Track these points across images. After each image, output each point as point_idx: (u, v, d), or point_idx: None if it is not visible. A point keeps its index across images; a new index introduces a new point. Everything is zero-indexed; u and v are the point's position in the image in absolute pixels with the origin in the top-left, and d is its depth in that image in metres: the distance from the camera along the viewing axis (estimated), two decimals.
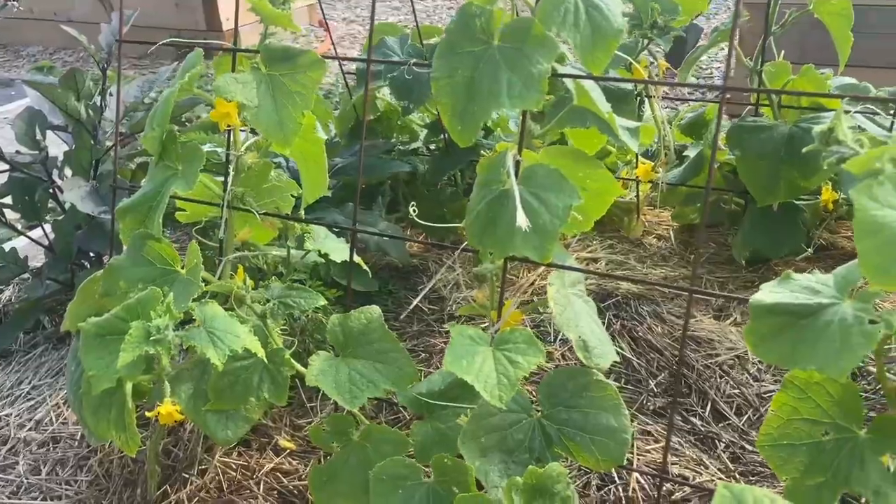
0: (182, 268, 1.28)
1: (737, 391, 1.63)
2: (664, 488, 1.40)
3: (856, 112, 1.77)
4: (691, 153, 2.11)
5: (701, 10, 1.69)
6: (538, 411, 1.17)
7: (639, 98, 1.86)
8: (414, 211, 1.31)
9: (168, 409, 1.19)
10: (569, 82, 1.17)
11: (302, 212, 1.50)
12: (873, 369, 1.64)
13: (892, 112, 1.78)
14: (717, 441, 1.52)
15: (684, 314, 1.87)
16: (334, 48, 2.52)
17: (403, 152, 2.34)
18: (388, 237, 1.94)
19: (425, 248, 2.21)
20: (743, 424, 1.56)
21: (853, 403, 1.04)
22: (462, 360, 1.09)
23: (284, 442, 1.53)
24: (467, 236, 1.19)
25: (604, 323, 1.84)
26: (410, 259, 2.13)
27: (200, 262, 1.22)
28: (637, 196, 2.19)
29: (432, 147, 2.41)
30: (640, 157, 2.13)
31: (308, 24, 5.88)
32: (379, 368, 1.27)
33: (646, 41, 1.67)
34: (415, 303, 1.97)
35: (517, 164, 1.17)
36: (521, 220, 1.04)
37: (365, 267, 1.54)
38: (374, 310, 1.32)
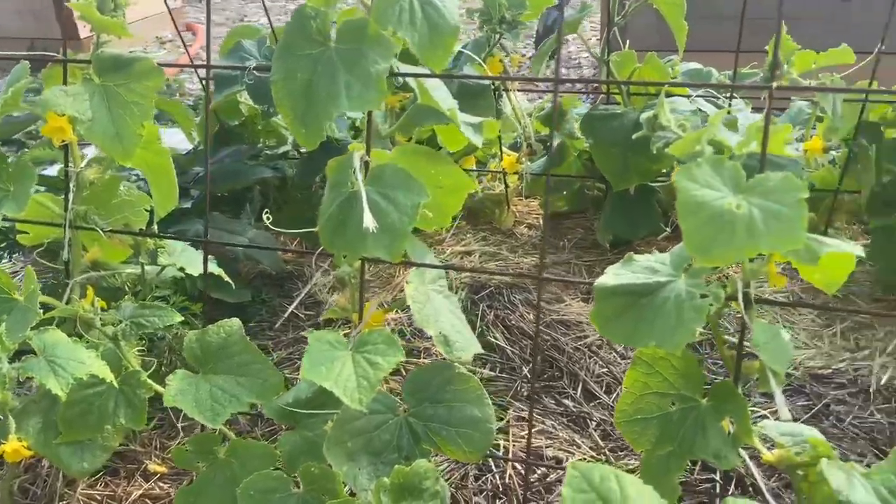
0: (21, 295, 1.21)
1: (605, 370, 1.69)
2: (538, 472, 1.44)
3: (698, 96, 1.86)
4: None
5: (549, 4, 1.74)
6: (405, 410, 1.18)
7: (497, 92, 1.89)
8: (268, 218, 1.29)
9: (14, 445, 1.12)
10: (411, 81, 1.18)
11: (155, 226, 1.44)
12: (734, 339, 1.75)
13: (729, 95, 1.89)
14: (588, 420, 1.58)
15: (554, 300, 1.93)
16: (208, 51, 2.43)
17: (271, 157, 2.30)
18: (249, 247, 1.89)
19: (300, 254, 2.18)
20: (612, 402, 1.62)
21: (694, 374, 1.10)
22: (321, 366, 1.07)
23: (154, 466, 1.47)
24: (320, 239, 1.18)
25: (478, 314, 1.87)
26: (284, 265, 2.09)
27: (37, 288, 1.15)
28: (506, 188, 2.23)
29: (303, 150, 2.37)
30: (504, 150, 2.18)
31: (174, 30, 5.67)
32: (242, 382, 1.23)
33: (496, 36, 1.70)
34: (290, 310, 1.94)
35: (366, 164, 1.16)
36: (368, 221, 1.04)
37: (227, 278, 1.49)
38: (234, 322, 1.29)
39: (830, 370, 1.64)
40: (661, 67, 1.82)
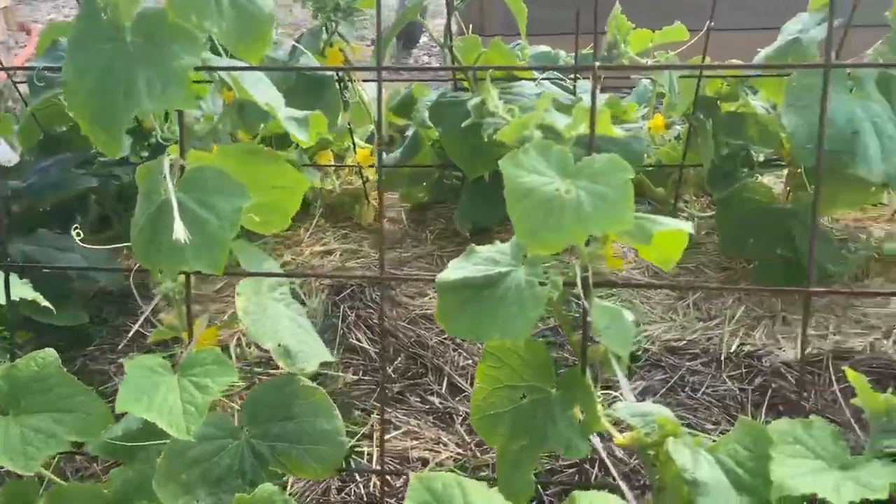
0: None
1: (470, 362, 1.66)
2: (403, 478, 1.39)
3: (544, 79, 1.86)
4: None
5: None
6: (247, 431, 1.09)
7: (343, 83, 1.82)
8: (78, 234, 1.16)
9: None
10: (224, 75, 1.09)
11: None
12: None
13: (573, 77, 1.90)
14: (454, 415, 1.54)
15: (416, 294, 1.88)
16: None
17: (107, 163, 2.12)
18: (65, 268, 1.72)
19: (120, 271, 2.02)
20: None
21: (544, 364, 1.08)
22: (141, 395, 0.97)
23: None
24: (135, 254, 1.07)
25: (339, 316, 1.79)
26: (125, 280, 1.93)
27: None
28: (364, 182, 2.16)
29: (145, 155, 2.20)
30: (359, 143, 2.10)
31: (7, 30, 5.20)
32: (60, 419, 1.11)
33: (333, 24, 1.62)
34: (134, 329, 1.79)
35: (182, 168, 1.06)
36: (179, 231, 0.95)
37: (44, 302, 1.34)
38: (48, 353, 1.15)
39: (685, 342, 1.68)
40: (507, 52, 1.80)
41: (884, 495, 0.89)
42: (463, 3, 1.77)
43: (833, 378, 1.53)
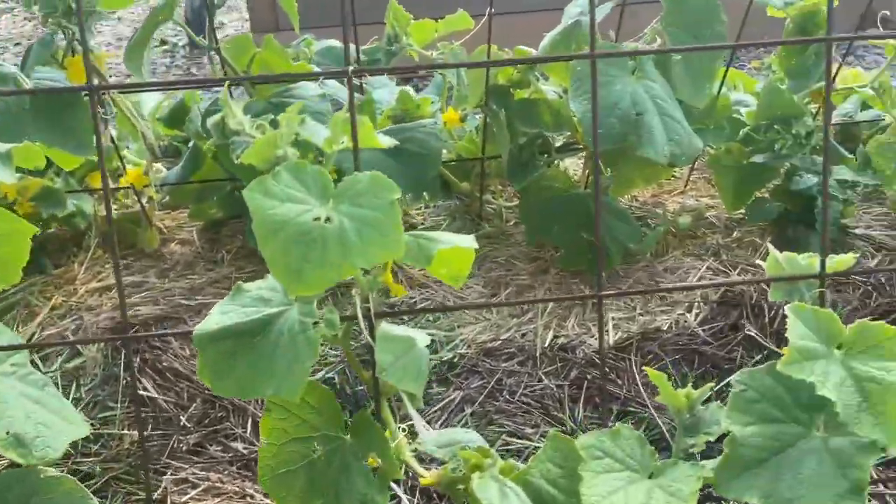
0: None
1: None
2: None
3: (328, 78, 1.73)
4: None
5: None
6: None
7: (99, 98, 1.57)
8: None
9: None
10: None
11: None
12: None
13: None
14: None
15: None
16: None
17: None
18: None
19: None
20: None
21: (334, 409, 0.96)
22: None
23: None
24: None
25: (122, 363, 1.57)
26: None
27: None
28: (141, 204, 1.92)
29: None
30: (132, 161, 1.87)
31: None
32: None
33: (69, 31, 1.39)
34: None
35: None
36: None
37: None
38: None
39: (500, 341, 1.62)
40: (282, 51, 1.64)
41: (693, 503, 0.86)
42: (221, 1, 1.59)
43: (640, 363, 1.53)
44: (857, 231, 1.90)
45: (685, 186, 2.12)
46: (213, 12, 1.57)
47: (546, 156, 1.87)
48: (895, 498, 1.24)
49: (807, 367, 0.86)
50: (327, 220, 0.79)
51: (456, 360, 1.59)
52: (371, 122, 1.74)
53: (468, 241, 0.89)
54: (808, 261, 0.96)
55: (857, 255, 1.83)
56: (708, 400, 0.98)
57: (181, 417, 1.47)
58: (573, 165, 2.11)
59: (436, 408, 1.45)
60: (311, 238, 0.78)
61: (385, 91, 2.06)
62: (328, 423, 0.95)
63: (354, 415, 0.95)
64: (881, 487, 1.25)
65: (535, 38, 1.86)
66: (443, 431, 1.05)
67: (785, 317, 1.65)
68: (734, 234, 1.91)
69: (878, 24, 1.90)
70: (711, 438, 0.94)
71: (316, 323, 0.85)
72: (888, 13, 1.94)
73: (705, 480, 0.90)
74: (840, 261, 0.97)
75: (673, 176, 2.19)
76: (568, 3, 1.81)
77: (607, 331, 1.63)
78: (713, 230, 1.95)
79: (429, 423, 1.43)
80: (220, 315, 0.91)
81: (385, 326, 0.93)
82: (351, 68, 0.87)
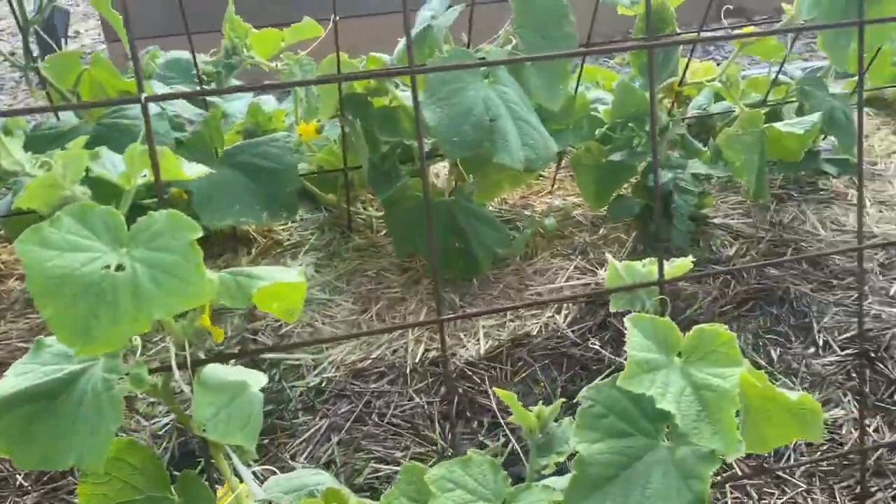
0: None
1: None
2: None
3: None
4: None
5: None
6: None
7: None
8: None
9: None
10: None
11: None
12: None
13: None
14: None
15: None
16: None
17: None
18: None
19: None
20: None
21: (155, 468, 0.87)
22: None
23: None
24: None
25: None
26: None
27: None
28: None
29: None
30: None
31: None
32: None
33: None
34: None
35: None
36: None
37: None
38: None
39: (370, 360, 1.57)
40: (111, 68, 1.52)
41: None
42: (38, 18, 1.45)
43: (510, 372, 1.51)
44: (716, 221, 1.96)
45: (553, 186, 2.13)
46: (27, 29, 1.42)
47: (410, 164, 1.83)
48: (756, 488, 1.27)
49: (647, 379, 0.84)
50: (119, 267, 0.71)
51: (324, 384, 1.52)
52: (218, 139, 1.65)
53: (293, 276, 0.83)
54: (647, 268, 0.95)
55: (716, 244, 1.90)
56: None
57: (17, 477, 1.33)
58: (440, 171, 2.08)
59: (301, 439, 1.37)
60: (100, 290, 0.69)
61: (241, 103, 1.96)
62: (152, 483, 0.86)
63: (181, 472, 0.87)
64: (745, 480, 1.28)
65: (387, 42, 1.82)
66: (291, 475, 0.99)
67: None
68: (600, 232, 1.93)
69: (722, 16, 1.96)
70: (562, 459, 0.91)
71: (122, 379, 0.77)
72: (730, 7, 2.00)
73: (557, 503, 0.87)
74: (679, 266, 0.97)
75: (541, 176, 2.19)
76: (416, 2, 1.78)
77: (478, 340, 1.60)
78: (580, 229, 1.96)
79: (293, 456, 1.36)
80: (16, 377, 0.81)
81: (208, 373, 0.85)
82: (144, 96, 0.78)
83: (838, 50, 1.56)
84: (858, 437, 1.31)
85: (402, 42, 1.75)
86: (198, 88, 1.60)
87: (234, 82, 1.94)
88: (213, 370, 0.88)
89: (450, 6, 1.68)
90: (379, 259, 1.88)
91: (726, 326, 0.92)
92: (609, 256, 0.98)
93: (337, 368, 1.55)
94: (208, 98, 1.64)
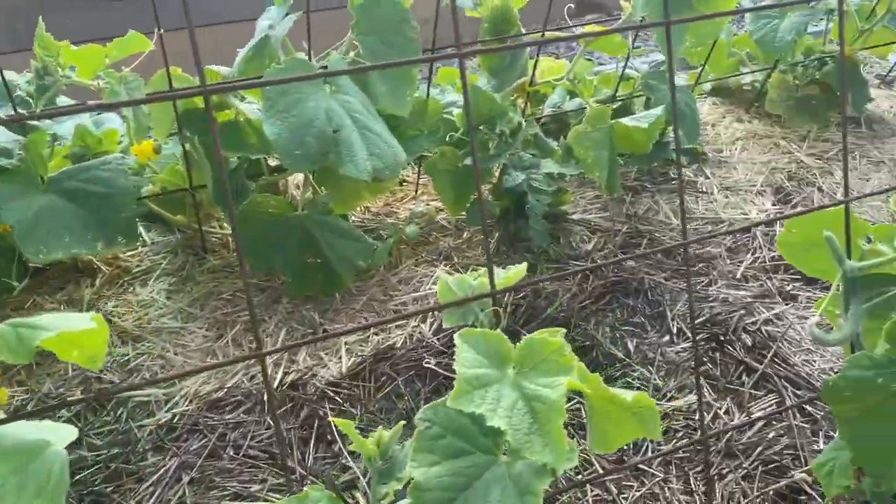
0: None
1: None
2: None
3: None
4: None
5: None
6: None
7: None
8: None
9: None
10: None
11: None
12: None
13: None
14: None
15: None
16: None
17: None
18: None
19: None
20: None
21: None
22: None
23: None
24: None
25: None
26: None
27: None
28: None
29: None
30: None
31: None
32: None
33: None
34: None
35: None
36: None
37: None
38: None
39: (226, 389, 1.49)
40: None
41: None
42: None
43: (373, 388, 1.47)
44: (575, 217, 1.99)
45: (417, 191, 2.11)
46: None
47: (261, 178, 1.75)
48: (615, 483, 1.28)
49: (477, 396, 0.82)
50: None
51: (176, 419, 1.43)
52: (41, 165, 1.53)
53: (86, 322, 0.76)
54: (478, 281, 0.93)
55: (575, 239, 1.93)
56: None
57: None
58: (296, 183, 2.01)
59: (148, 483, 1.28)
60: None
61: (73, 124, 1.83)
62: None
63: None
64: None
65: (223, 52, 1.74)
66: None
67: (518, 308, 1.68)
68: (464, 236, 1.92)
69: (566, 14, 1.99)
70: (400, 486, 0.88)
71: None
72: (571, 5, 2.03)
73: None
74: (511, 275, 0.95)
75: (404, 181, 2.17)
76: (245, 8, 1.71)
77: (339, 358, 1.55)
78: (445, 233, 1.94)
79: (139, 502, 1.27)
80: None
81: (3, 435, 0.76)
82: None
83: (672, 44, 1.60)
84: (699, 425, 1.35)
85: (241, 53, 1.68)
86: (12, 113, 1.46)
87: (68, 101, 1.81)
88: (12, 431, 0.79)
89: (287, 14, 1.63)
90: (236, 280, 1.80)
91: (563, 331, 0.91)
92: (439, 271, 0.96)
93: (190, 401, 1.47)
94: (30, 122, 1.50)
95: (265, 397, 1.46)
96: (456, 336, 0.86)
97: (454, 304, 0.91)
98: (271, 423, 1.40)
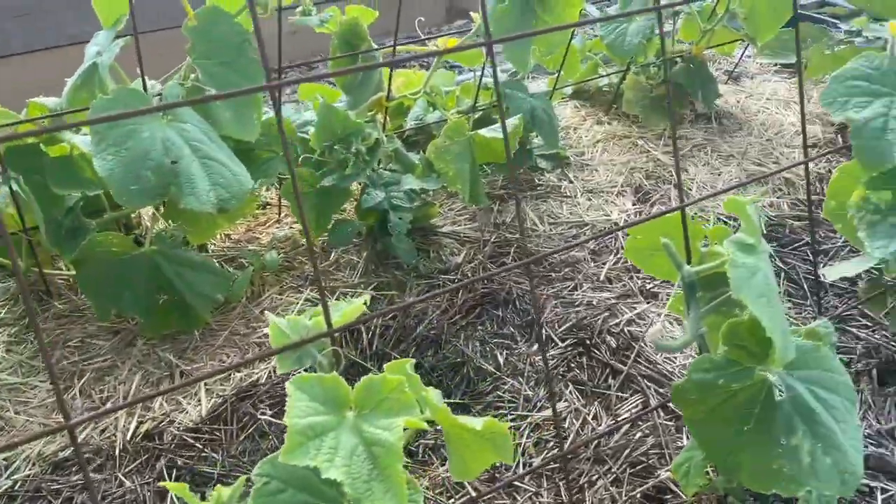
0: None
1: None
2: None
3: None
4: None
5: None
6: None
7: None
8: None
9: None
10: None
11: None
12: None
13: None
14: None
15: None
16: None
17: None
18: None
19: None
20: None
21: None
22: None
23: None
24: None
25: None
26: None
27: None
28: None
29: None
30: None
31: None
32: None
33: None
34: None
35: None
36: None
37: None
38: None
39: (72, 448, 1.37)
40: None
41: None
42: None
43: (236, 431, 1.40)
44: (444, 229, 1.97)
45: (280, 214, 2.04)
46: None
47: (102, 215, 1.64)
48: (488, 503, 1.27)
49: (312, 447, 0.78)
50: None
51: (17, 486, 1.31)
52: None
53: None
54: (314, 320, 0.89)
55: (444, 252, 1.91)
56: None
57: None
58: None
59: None
60: None
61: None
62: None
63: None
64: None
65: (55, 84, 1.62)
66: None
67: (388, 329, 1.64)
68: (331, 257, 1.87)
69: (416, 25, 1.97)
70: None
71: None
72: (422, 18, 2.02)
73: None
74: (349, 311, 0.91)
75: (267, 205, 2.09)
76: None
77: (199, 400, 1.47)
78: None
79: None
80: None
81: None
82: None
83: (518, 56, 1.62)
84: (566, 435, 1.36)
85: (69, 82, 1.56)
86: None
87: None
88: None
89: (117, 37, 1.53)
90: (84, 324, 1.67)
91: (412, 362, 0.88)
92: (268, 314, 0.91)
93: (33, 464, 1.35)
94: None
95: (117, 451, 1.35)
96: (287, 384, 0.81)
97: (288, 349, 0.86)
98: (124, 479, 1.30)
